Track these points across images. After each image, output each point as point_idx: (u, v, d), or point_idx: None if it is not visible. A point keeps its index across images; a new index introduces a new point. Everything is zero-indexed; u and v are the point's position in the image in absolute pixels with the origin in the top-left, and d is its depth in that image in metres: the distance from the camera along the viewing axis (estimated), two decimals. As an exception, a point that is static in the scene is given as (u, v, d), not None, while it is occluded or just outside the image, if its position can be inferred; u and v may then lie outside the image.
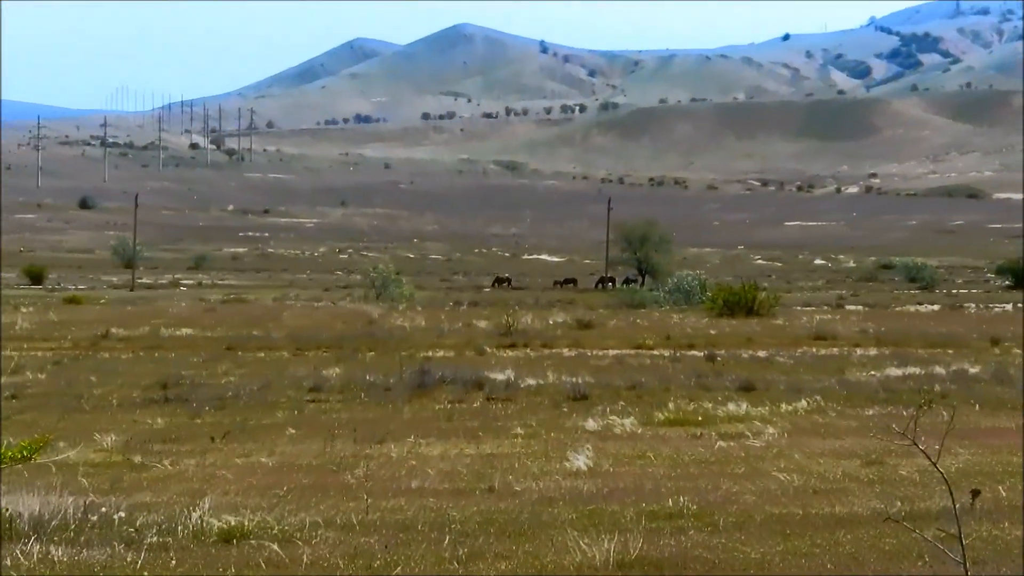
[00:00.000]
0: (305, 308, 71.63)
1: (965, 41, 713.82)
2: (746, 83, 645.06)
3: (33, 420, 25.81)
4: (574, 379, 32.10)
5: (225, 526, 13.48)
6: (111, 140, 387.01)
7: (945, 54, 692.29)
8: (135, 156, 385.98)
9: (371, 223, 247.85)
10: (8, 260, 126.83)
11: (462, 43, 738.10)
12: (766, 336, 49.93)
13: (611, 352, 43.04)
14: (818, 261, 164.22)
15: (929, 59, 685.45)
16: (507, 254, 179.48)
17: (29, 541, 12.65)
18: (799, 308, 72.03)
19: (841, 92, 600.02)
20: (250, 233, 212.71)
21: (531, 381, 32.27)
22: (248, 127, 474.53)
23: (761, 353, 42.23)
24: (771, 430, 23.71)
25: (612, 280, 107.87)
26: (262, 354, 42.99)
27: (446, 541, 13.25)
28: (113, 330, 50.48)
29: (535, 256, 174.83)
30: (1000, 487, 16.69)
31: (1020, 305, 74.68)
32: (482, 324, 55.14)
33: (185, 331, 51.84)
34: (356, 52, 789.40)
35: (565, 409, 27.41)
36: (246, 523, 13.56)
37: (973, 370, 35.44)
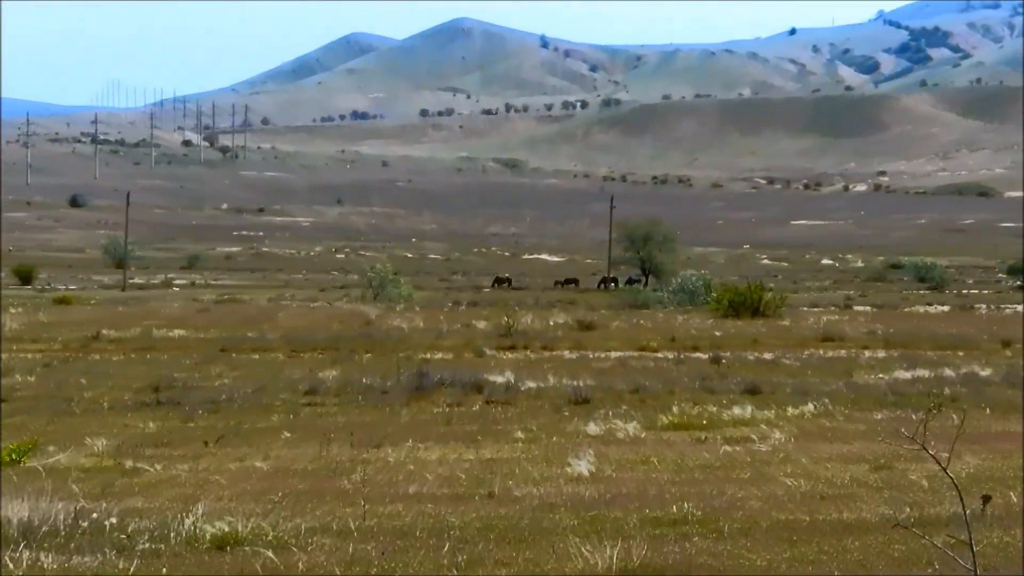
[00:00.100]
0: (301, 309, 71.66)
1: (975, 35, 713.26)
2: (751, 79, 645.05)
3: (22, 424, 25.69)
4: (575, 382, 31.92)
5: (219, 532, 13.44)
6: (102, 137, 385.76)
7: (955, 49, 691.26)
8: (127, 153, 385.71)
9: (368, 222, 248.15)
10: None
11: (461, 38, 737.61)
12: (772, 338, 49.82)
13: (613, 354, 42.91)
14: (825, 261, 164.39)
15: (938, 54, 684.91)
16: (507, 254, 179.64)
17: (18, 548, 12.66)
18: (806, 309, 72.07)
19: (849, 88, 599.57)
20: (244, 232, 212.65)
21: (531, 384, 32.14)
22: (242, 124, 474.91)
23: (767, 355, 42.15)
24: (777, 434, 23.60)
25: (614, 280, 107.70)
26: (257, 356, 42.83)
27: (445, 548, 13.16)
28: (104, 331, 50.28)
29: (535, 256, 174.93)
30: (1011, 492, 16.59)
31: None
32: (481, 325, 55.02)
33: (178, 332, 51.72)
34: (352, 47, 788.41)
35: (566, 413, 27.28)
36: (240, 529, 13.51)
37: (984, 373, 35.30)
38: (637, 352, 43.82)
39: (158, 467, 20.41)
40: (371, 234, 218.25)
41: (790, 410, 27.02)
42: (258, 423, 26.29)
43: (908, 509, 15.50)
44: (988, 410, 27.08)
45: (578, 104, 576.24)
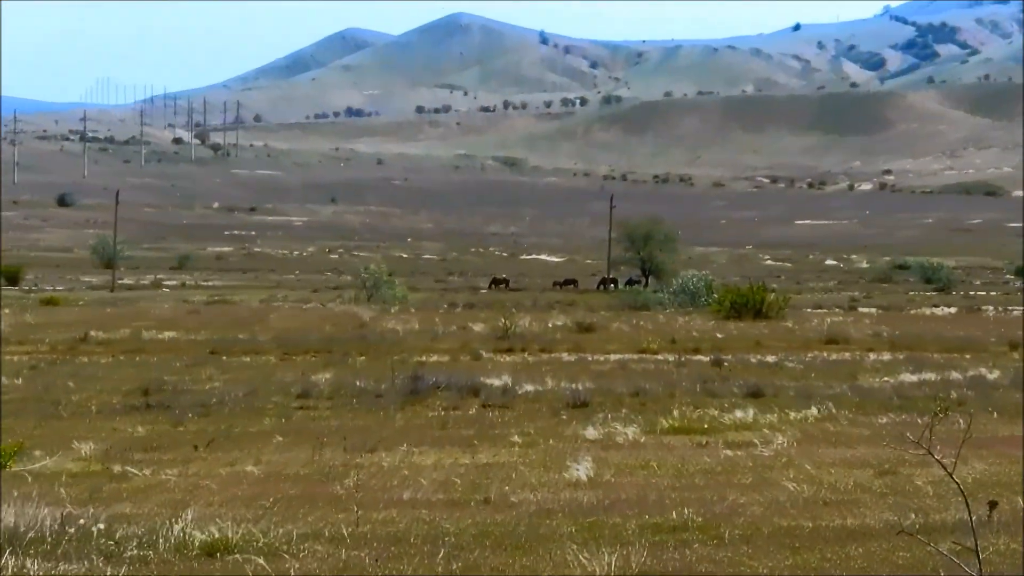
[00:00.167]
0: (293, 310, 71.81)
1: (983, 31, 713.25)
2: (755, 75, 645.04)
3: (8, 427, 25.51)
4: (574, 385, 31.92)
5: (209, 539, 13.41)
6: (91, 135, 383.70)
7: (963, 45, 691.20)
8: (116, 151, 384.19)
9: (363, 221, 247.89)
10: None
11: (458, 33, 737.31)
12: (775, 340, 49.87)
13: (613, 357, 42.95)
14: (829, 261, 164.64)
15: (946, 50, 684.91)
16: (505, 254, 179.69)
17: (3, 555, 12.60)
18: (810, 310, 72.20)
19: (854, 85, 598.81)
20: (236, 231, 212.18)
21: (529, 387, 32.09)
22: (234, 121, 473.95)
23: (770, 357, 42.19)
24: (780, 438, 23.54)
25: (614, 281, 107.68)
26: (248, 358, 42.79)
27: (440, 555, 13.10)
28: (92, 333, 50.22)
29: (534, 256, 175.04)
30: (1018, 498, 16.47)
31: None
32: (478, 327, 55.04)
33: (168, 334, 51.72)
34: (347, 42, 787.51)
35: (564, 417, 27.22)
36: (230, 536, 13.48)
37: (991, 376, 35.27)
38: (637, 354, 43.89)
39: (147, 472, 20.32)
40: (366, 234, 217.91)
41: (793, 414, 26.98)
42: (249, 427, 26.19)
43: (913, 515, 15.54)
44: (995, 414, 27.01)
45: (578, 101, 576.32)
